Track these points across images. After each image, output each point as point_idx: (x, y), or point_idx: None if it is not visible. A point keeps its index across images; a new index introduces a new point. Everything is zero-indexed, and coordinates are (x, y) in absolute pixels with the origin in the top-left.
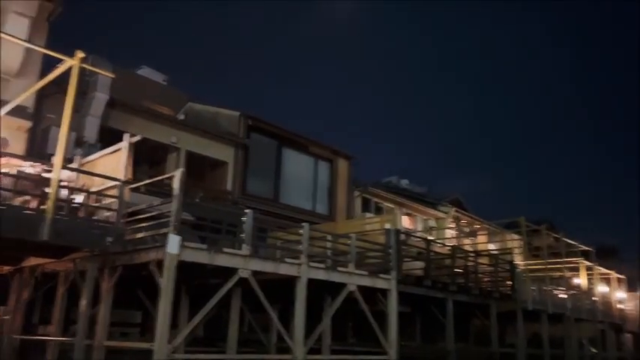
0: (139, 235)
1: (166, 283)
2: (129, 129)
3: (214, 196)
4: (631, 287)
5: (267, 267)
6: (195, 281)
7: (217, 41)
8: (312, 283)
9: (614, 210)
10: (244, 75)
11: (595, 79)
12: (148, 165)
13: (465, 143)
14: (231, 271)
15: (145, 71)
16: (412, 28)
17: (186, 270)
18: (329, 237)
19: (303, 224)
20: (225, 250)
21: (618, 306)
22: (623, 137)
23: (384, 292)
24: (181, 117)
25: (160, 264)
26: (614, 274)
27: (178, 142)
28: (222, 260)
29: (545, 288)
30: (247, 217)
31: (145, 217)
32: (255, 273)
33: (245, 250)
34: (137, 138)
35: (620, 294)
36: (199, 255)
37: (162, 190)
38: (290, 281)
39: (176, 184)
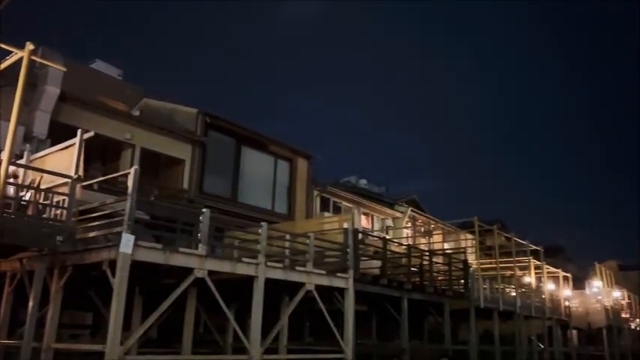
0: (91, 234)
1: (119, 283)
2: (81, 124)
3: (170, 195)
4: (576, 285)
5: (224, 267)
6: (149, 281)
7: (181, 40)
8: (270, 283)
9: (562, 209)
10: (208, 75)
11: (545, 85)
12: (101, 162)
13: (422, 145)
14: (186, 271)
15: (99, 65)
16: (374, 27)
17: (139, 270)
18: (287, 236)
19: (262, 223)
20: (181, 249)
21: (565, 303)
22: (575, 140)
23: (341, 291)
24: (136, 113)
25: (112, 264)
26: (561, 273)
27: (133, 139)
28: (177, 260)
29: (496, 286)
30: (204, 216)
31: (97, 215)
32: (211, 273)
33: (201, 249)
34: (90, 134)
35: (566, 291)
36: (154, 255)
37: (115, 188)
38: (247, 281)
39: (130, 182)
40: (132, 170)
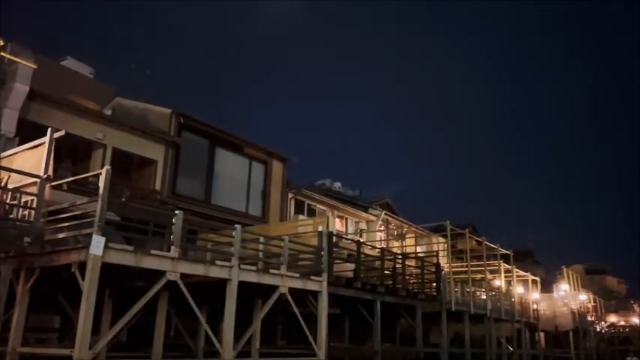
0: (60, 236)
1: (89, 286)
2: (51, 123)
3: (142, 196)
4: (545, 288)
5: (197, 270)
6: (120, 284)
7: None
8: (243, 286)
9: (531, 213)
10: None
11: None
12: (71, 162)
13: (396, 147)
14: (158, 274)
15: (70, 62)
16: (342, 33)
17: (110, 272)
18: (261, 239)
19: (236, 226)
20: (153, 252)
21: (533, 306)
22: (544, 144)
23: (314, 294)
24: (108, 112)
25: (82, 266)
26: (530, 276)
27: (104, 139)
28: (149, 262)
29: (467, 289)
30: (177, 218)
31: (67, 216)
32: (183, 276)
33: (174, 252)
34: (60, 133)
35: (535, 295)
36: (125, 257)
37: (86, 189)
38: (220, 284)
39: (102, 183)
40: (103, 170)
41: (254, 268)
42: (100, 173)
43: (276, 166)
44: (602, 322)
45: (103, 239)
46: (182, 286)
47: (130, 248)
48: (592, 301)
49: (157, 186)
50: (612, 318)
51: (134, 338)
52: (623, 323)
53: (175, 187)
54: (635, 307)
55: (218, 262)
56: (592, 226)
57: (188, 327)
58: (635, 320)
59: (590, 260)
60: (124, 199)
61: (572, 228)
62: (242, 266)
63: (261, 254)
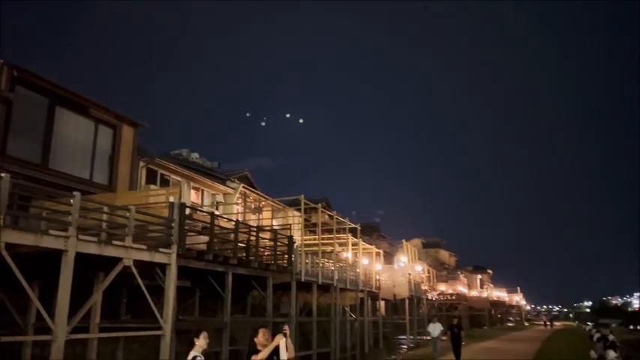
0: None
1: None
2: None
3: None
4: (387, 260)
5: (26, 239)
6: None
7: None
8: (83, 258)
9: (380, 191)
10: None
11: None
12: None
13: (257, 125)
14: None
15: None
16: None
17: None
18: (105, 208)
19: (74, 193)
20: None
21: (376, 277)
22: (397, 127)
23: (162, 267)
24: None
25: None
26: (374, 249)
27: None
28: None
29: (317, 261)
30: (2, 182)
31: None
32: (10, 246)
33: None
34: None
35: (378, 266)
36: None
37: None
38: (56, 256)
39: None
40: None
41: (95, 239)
42: None
43: (127, 132)
44: (434, 291)
45: None
46: (8, 258)
47: None
48: (427, 272)
49: None
50: (442, 287)
51: None
52: (451, 291)
53: (6, 149)
54: (462, 277)
55: (52, 232)
56: (430, 204)
57: (17, 303)
58: (460, 288)
59: (427, 235)
60: None
61: (413, 205)
62: (81, 237)
63: (104, 224)
